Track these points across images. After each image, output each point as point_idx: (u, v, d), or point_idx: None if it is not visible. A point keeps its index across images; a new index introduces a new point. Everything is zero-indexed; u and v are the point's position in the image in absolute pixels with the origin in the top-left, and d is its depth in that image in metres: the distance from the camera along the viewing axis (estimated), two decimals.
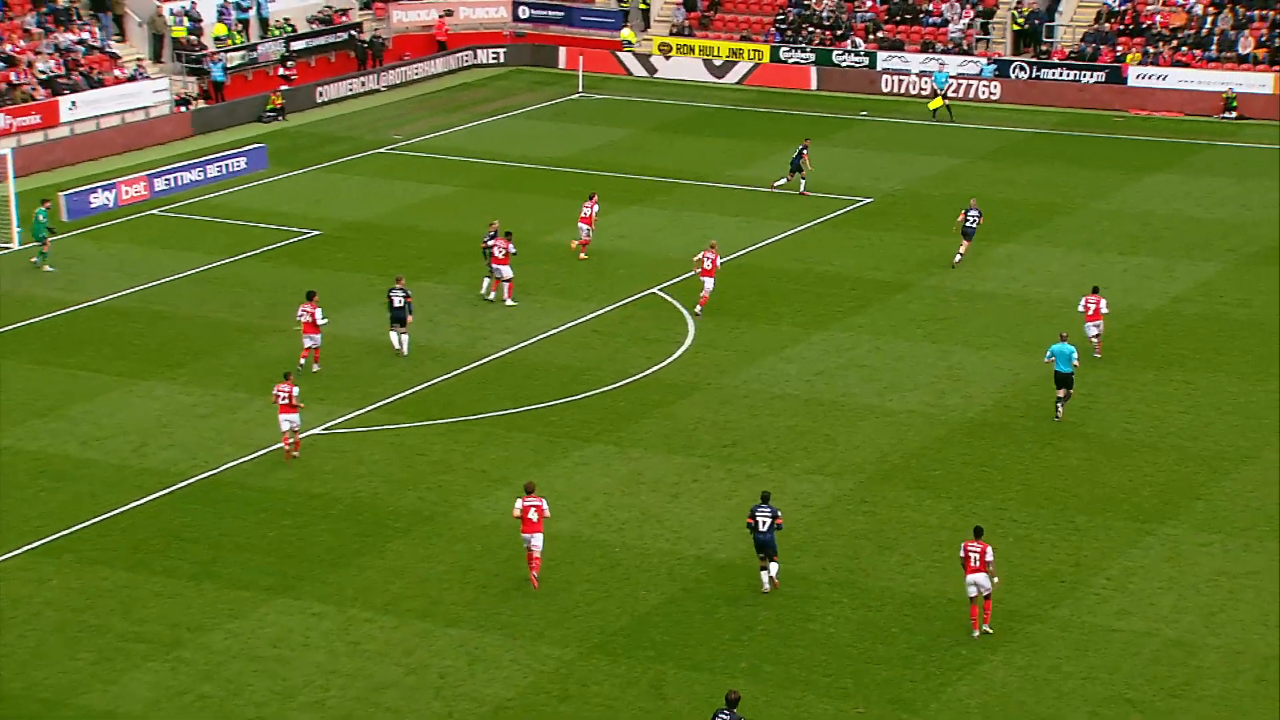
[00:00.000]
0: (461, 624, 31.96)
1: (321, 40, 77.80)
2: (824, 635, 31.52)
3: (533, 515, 33.25)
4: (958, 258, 51.25)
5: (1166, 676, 30.00)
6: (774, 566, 33.08)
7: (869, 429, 40.29)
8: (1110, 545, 34.60)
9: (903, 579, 33.40)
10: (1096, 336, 43.77)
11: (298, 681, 30.16)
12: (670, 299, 49.15)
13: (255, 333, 47.00)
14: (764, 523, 32.79)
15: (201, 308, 49.19)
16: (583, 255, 52.34)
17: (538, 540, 33.34)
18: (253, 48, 75.05)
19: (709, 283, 47.29)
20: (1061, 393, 40.46)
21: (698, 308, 47.51)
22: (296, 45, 76.33)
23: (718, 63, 77.05)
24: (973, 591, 31.39)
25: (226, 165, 62.83)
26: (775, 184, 59.07)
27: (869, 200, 58.58)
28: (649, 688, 29.96)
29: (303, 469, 38.64)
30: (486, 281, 48.83)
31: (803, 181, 58.52)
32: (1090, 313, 43.80)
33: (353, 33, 78.88)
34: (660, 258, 52.67)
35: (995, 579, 31.56)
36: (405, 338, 44.95)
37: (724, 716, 26.79)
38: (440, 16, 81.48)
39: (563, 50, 79.83)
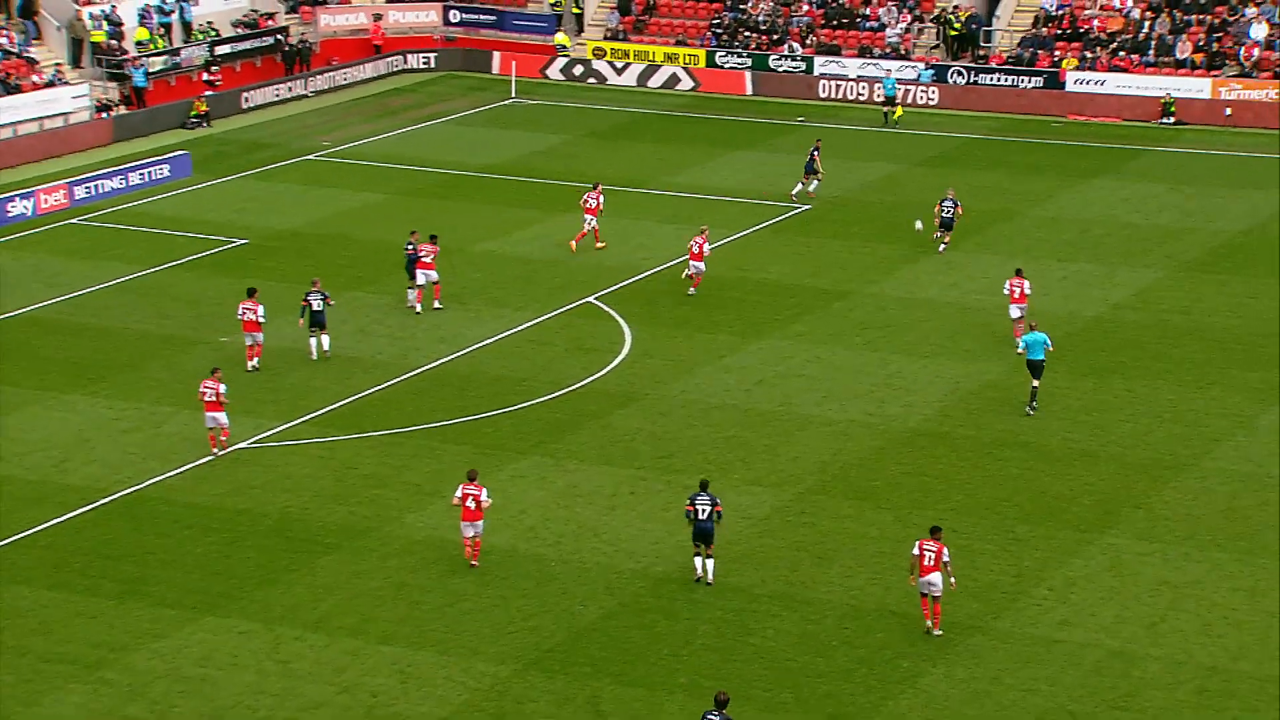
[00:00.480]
0: (394, 641, 31.58)
1: (247, 45, 76.90)
2: (763, 649, 31.31)
3: (470, 504, 33.76)
4: (941, 247, 52.25)
5: (1108, 688, 29.95)
6: (710, 565, 33.37)
7: (808, 439, 40.05)
8: (1051, 555, 34.52)
9: (843, 591, 33.21)
10: (1020, 319, 44.27)
11: (226, 702, 29.71)
12: (606, 308, 48.74)
13: (180, 344, 46.36)
14: (703, 510, 33.17)
15: (124, 319, 48.50)
16: (600, 244, 53.16)
17: (478, 528, 33.96)
18: (176, 52, 74.14)
19: (696, 266, 48.95)
20: (1036, 383, 40.90)
21: (691, 289, 49.17)
22: (221, 50, 75.47)
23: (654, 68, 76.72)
24: (924, 589, 31.57)
25: (149, 173, 62.05)
26: (793, 192, 58.54)
27: (807, 207, 58.34)
28: (586, 705, 29.66)
29: (230, 483, 38.16)
30: (411, 294, 48.20)
31: (816, 183, 58.45)
32: (1015, 295, 44.52)
33: (279, 37, 77.99)
34: (596, 266, 52.28)
35: (952, 581, 31.71)
36: (326, 338, 44.82)
37: (713, 718, 26.86)
38: (374, 20, 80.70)
39: (496, 55, 79.13)
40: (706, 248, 48.97)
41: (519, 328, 47.38)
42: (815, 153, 58.49)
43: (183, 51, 74.38)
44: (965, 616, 32.11)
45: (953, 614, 32.06)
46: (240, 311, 43.96)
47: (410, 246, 48.22)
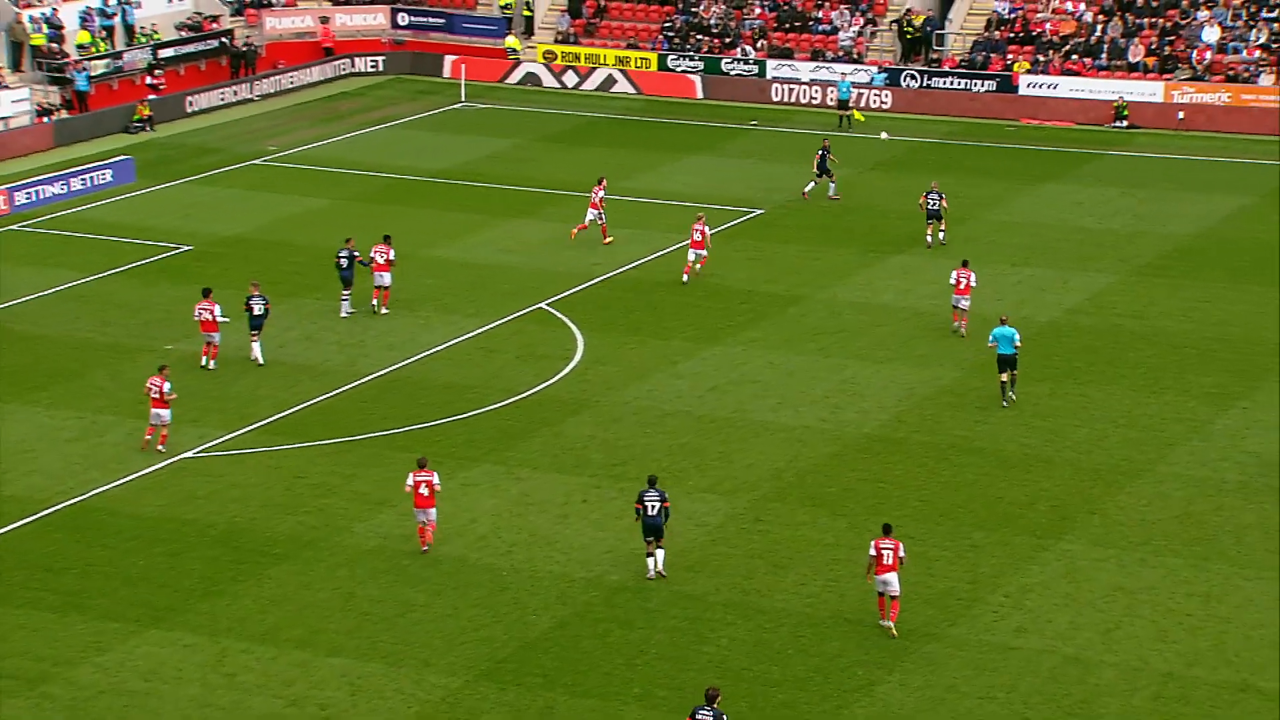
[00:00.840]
0: (343, 653, 31.25)
1: (191, 48, 76.14)
2: (718, 658, 31.11)
3: (424, 490, 34.48)
4: (937, 237, 53.23)
5: (1064, 695, 29.89)
6: (660, 555, 33.54)
7: (763, 446, 39.83)
8: (1007, 562, 34.43)
9: (798, 599, 33.07)
10: (962, 311, 45.49)
11: (171, 717, 29.36)
12: (558, 314, 48.39)
13: (124, 352, 45.83)
14: (652, 506, 33.42)
15: (66, 327, 47.94)
16: (607, 239, 53.57)
17: (431, 514, 34.68)
18: (118, 55, 73.35)
19: (695, 254, 50.06)
20: (1005, 376, 41.40)
21: (684, 276, 50.28)
22: (165, 53, 74.68)
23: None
24: (881, 588, 31.69)
25: (91, 178, 61.38)
26: (806, 190, 58.69)
27: (760, 211, 58.14)
28: (539, 716, 29.43)
29: (175, 494, 37.74)
30: (345, 303, 47.77)
31: (831, 185, 58.44)
32: (960, 286, 45.41)
33: (224, 40, 77.24)
34: (547, 271, 52.01)
35: (904, 560, 31.90)
36: (256, 345, 44.77)
37: (704, 714, 26.86)
38: (323, 22, 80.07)
39: (445, 59, 78.62)
40: (708, 233, 50.17)
41: (470, 334, 46.99)
42: (826, 154, 58.35)
43: (125, 55, 73.58)
44: (921, 624, 32.00)
45: (908, 621, 31.96)
46: (196, 312, 44.03)
47: (343, 254, 47.62)
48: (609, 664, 30.88)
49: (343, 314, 47.86)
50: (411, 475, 34.74)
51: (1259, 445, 39.54)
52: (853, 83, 71.32)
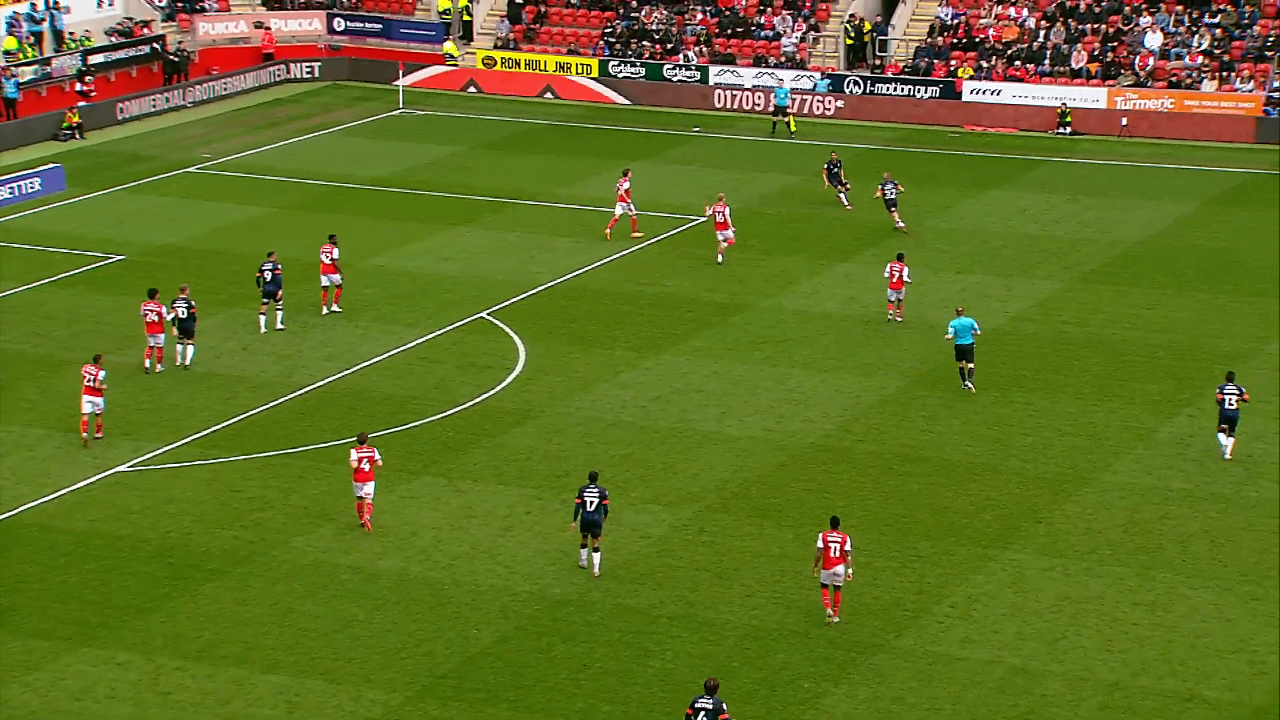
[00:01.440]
0: (280, 670, 30.91)
1: (122, 54, 75.22)
2: (663, 672, 30.90)
3: (365, 465, 35.63)
4: (898, 224, 54.97)
5: (1010, 706, 29.82)
6: (598, 557, 33.93)
7: (707, 456, 39.58)
8: (953, 571, 34.35)
9: (743, 611, 32.89)
10: (896, 303, 46.88)
11: None
12: (500, 324, 48.00)
13: (55, 364, 45.19)
14: (591, 503, 33.77)
15: None
16: (636, 233, 54.79)
17: (369, 489, 35.85)
18: (47, 62, 72.45)
19: (721, 236, 52.28)
20: (964, 365, 42.39)
21: (719, 257, 52.45)
22: (95, 59, 73.76)
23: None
24: (827, 580, 32.20)
25: (20, 186, 60.59)
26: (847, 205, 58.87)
27: (704, 219, 57.75)
28: None
29: (108, 508, 37.26)
30: (263, 318, 47.28)
31: (843, 194, 58.45)
32: (894, 280, 46.64)
33: (155, 46, 76.38)
34: (488, 280, 51.64)
35: (850, 570, 32.31)
36: (191, 349, 44.64)
37: (703, 702, 27.16)
38: (264, 29, 79.35)
39: (383, 64, 77.99)
40: (728, 212, 52.30)
41: (409, 345, 46.59)
42: (836, 168, 58.43)
43: (54, 61, 72.70)
44: (867, 635, 31.88)
45: (855, 632, 31.91)
46: (143, 313, 44.05)
47: (266, 267, 47.06)
48: (552, 678, 30.62)
49: (276, 327, 47.21)
50: (354, 451, 35.73)
51: (1202, 453, 39.51)
52: (792, 89, 71.17)
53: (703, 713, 27.77)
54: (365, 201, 60.64)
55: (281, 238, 54.52)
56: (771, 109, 70.46)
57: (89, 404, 39.82)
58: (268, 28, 79.56)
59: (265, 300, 47.09)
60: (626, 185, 54.49)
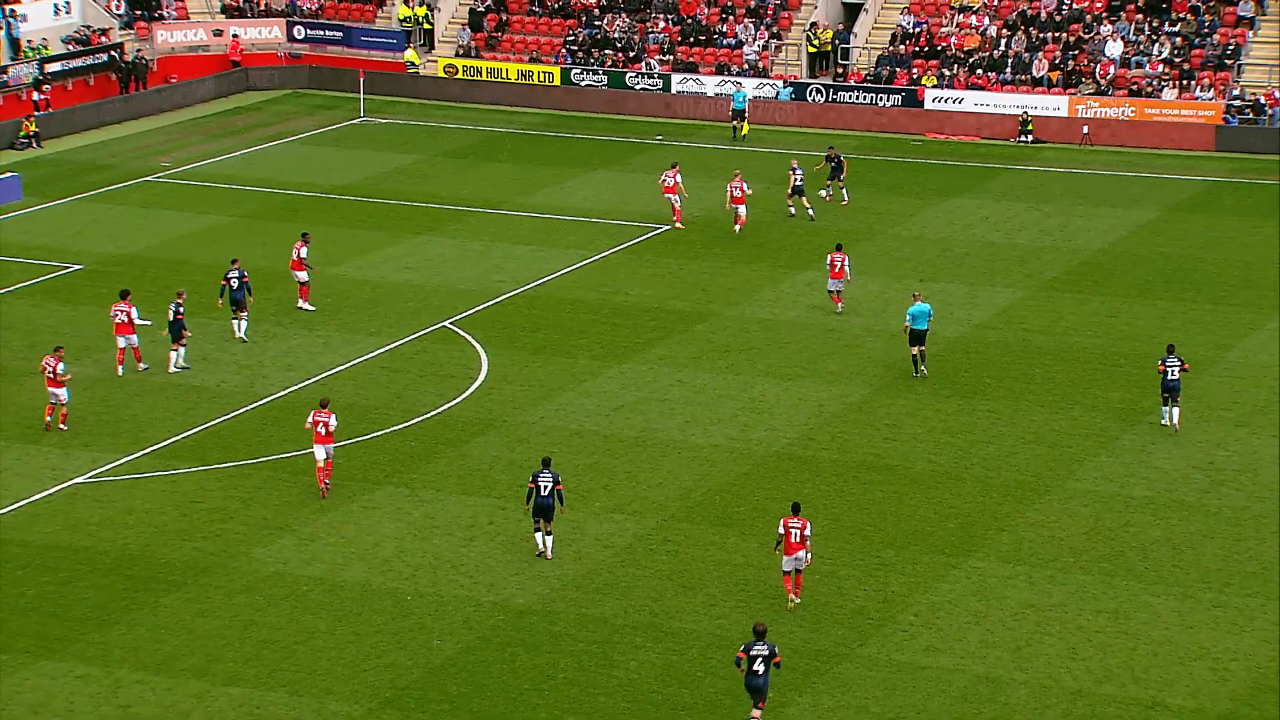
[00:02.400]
0: (242, 682, 30.65)
1: (79, 62, 74.77)
2: (627, 682, 30.77)
3: (321, 429, 37.00)
4: (839, 194, 59.19)
5: (975, 714, 29.77)
6: (550, 540, 34.82)
7: (671, 465, 39.47)
8: (917, 580, 34.30)
9: (708, 620, 32.76)
10: (837, 293, 48.21)
11: None
12: (462, 332, 47.79)
13: (11, 375, 44.79)
14: (545, 487, 34.54)
15: None
16: (679, 225, 56.80)
17: (324, 451, 37.16)
18: (2, 70, 71.94)
19: (739, 209, 55.25)
20: (916, 350, 43.60)
21: (737, 226, 55.61)
22: (52, 67, 73.35)
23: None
24: (789, 566, 32.87)
25: None
26: (823, 193, 60.22)
27: (667, 228, 57.75)
28: None
29: (66, 520, 36.91)
30: (236, 324, 47.10)
31: (844, 191, 60.10)
32: (835, 270, 47.91)
33: (113, 54, 75.89)
34: (451, 289, 51.44)
35: (810, 555, 33.02)
36: (180, 351, 45.08)
37: (759, 648, 28.73)
38: (219, 35, 78.94)
39: (343, 72, 77.68)
40: (746, 189, 55.15)
41: (371, 354, 46.35)
42: (839, 160, 60.04)
43: (10, 69, 72.17)
44: (831, 644, 31.80)
45: (818, 641, 31.84)
46: (113, 313, 44.11)
47: (232, 275, 46.81)
48: (516, 689, 30.44)
49: (239, 336, 46.95)
50: (312, 414, 37.28)
51: (1165, 460, 39.58)
52: (749, 95, 71.22)
53: (759, 659, 28.93)
54: (327, 210, 60.36)
55: (242, 247, 54.19)
56: (730, 113, 70.45)
57: (52, 396, 40.53)
58: (236, 35, 79.16)
59: (234, 308, 46.84)
60: (677, 179, 56.58)
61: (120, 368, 44.39)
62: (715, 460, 39.67)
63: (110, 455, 39.95)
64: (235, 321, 46.99)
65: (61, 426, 40.67)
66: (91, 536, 36.07)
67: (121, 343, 44.08)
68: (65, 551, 35.43)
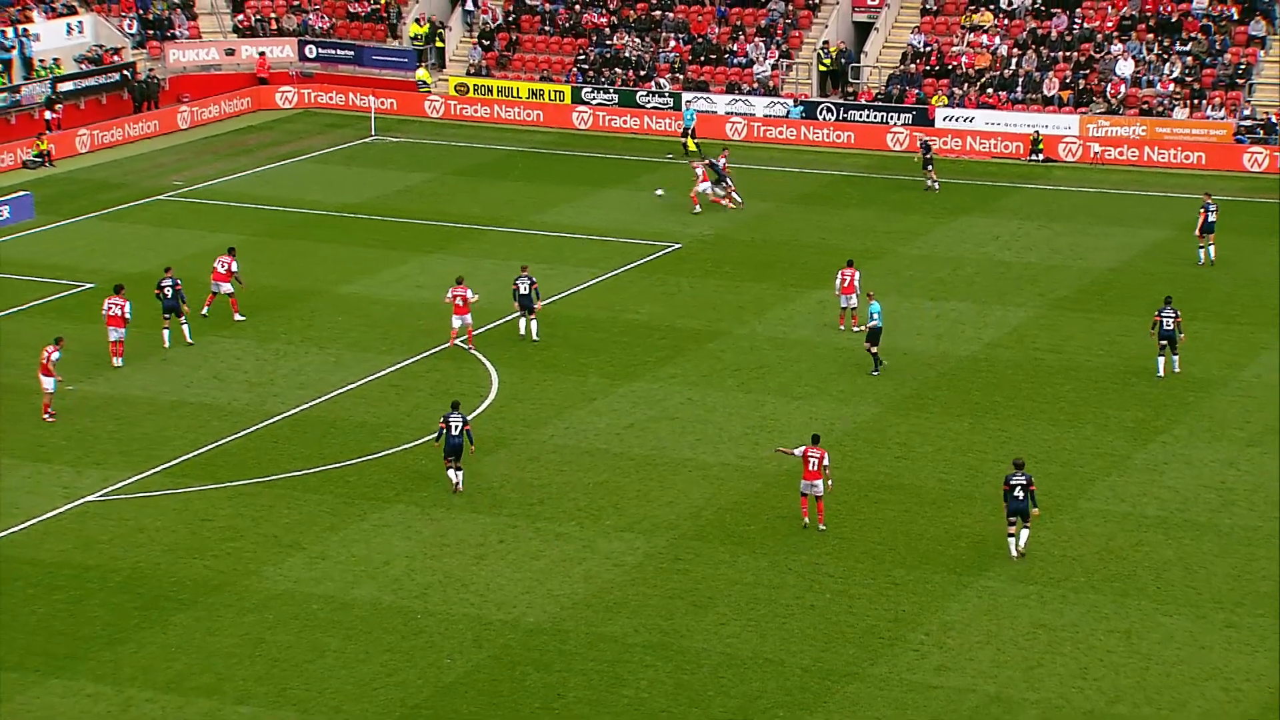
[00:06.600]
0: (252, 700, 30.61)
1: (91, 81, 74.88)
2: (637, 700, 30.67)
3: (460, 301, 45.99)
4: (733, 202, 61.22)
5: None
6: (460, 475, 38.31)
7: (682, 483, 39.38)
8: (928, 599, 34.19)
9: (718, 639, 32.67)
10: (850, 311, 48.59)
11: None
12: (473, 351, 47.72)
13: (21, 393, 44.68)
14: (455, 427, 38.04)
15: None
16: (732, 204, 60.82)
17: (460, 320, 46.43)
18: (16, 90, 72.08)
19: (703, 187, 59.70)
20: (875, 348, 45.27)
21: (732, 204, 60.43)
22: (64, 86, 73.43)
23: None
24: (805, 490, 36.57)
25: None
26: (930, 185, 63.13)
27: (678, 246, 57.76)
28: None
29: (77, 538, 36.89)
30: (168, 333, 47.74)
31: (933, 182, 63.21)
32: (845, 285, 48.38)
33: (126, 73, 76.04)
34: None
35: (830, 483, 36.72)
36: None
37: (1017, 479, 34.85)
38: (260, 54, 79.09)
39: (353, 92, 77.78)
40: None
41: (382, 372, 46.33)
42: (928, 152, 63.69)
43: (23, 88, 72.31)
44: (842, 663, 31.68)
45: (829, 661, 31.72)
46: (106, 307, 45.57)
47: (166, 283, 47.49)
48: (526, 708, 30.35)
49: (166, 344, 47.47)
50: (451, 290, 46.34)
51: (1177, 480, 39.46)
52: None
53: (1018, 487, 34.99)
54: (338, 228, 60.38)
55: (253, 264, 54.25)
56: (680, 130, 70.59)
57: (48, 382, 41.95)
58: (262, 53, 79.31)
59: (166, 316, 47.33)
60: (724, 161, 60.70)
61: (118, 359, 45.71)
62: (726, 478, 39.60)
63: (121, 473, 39.93)
64: (165, 331, 47.31)
65: (46, 417, 42.01)
66: (102, 554, 36.04)
67: (113, 335, 45.35)
68: (76, 569, 35.40)
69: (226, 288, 49.58)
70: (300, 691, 30.78)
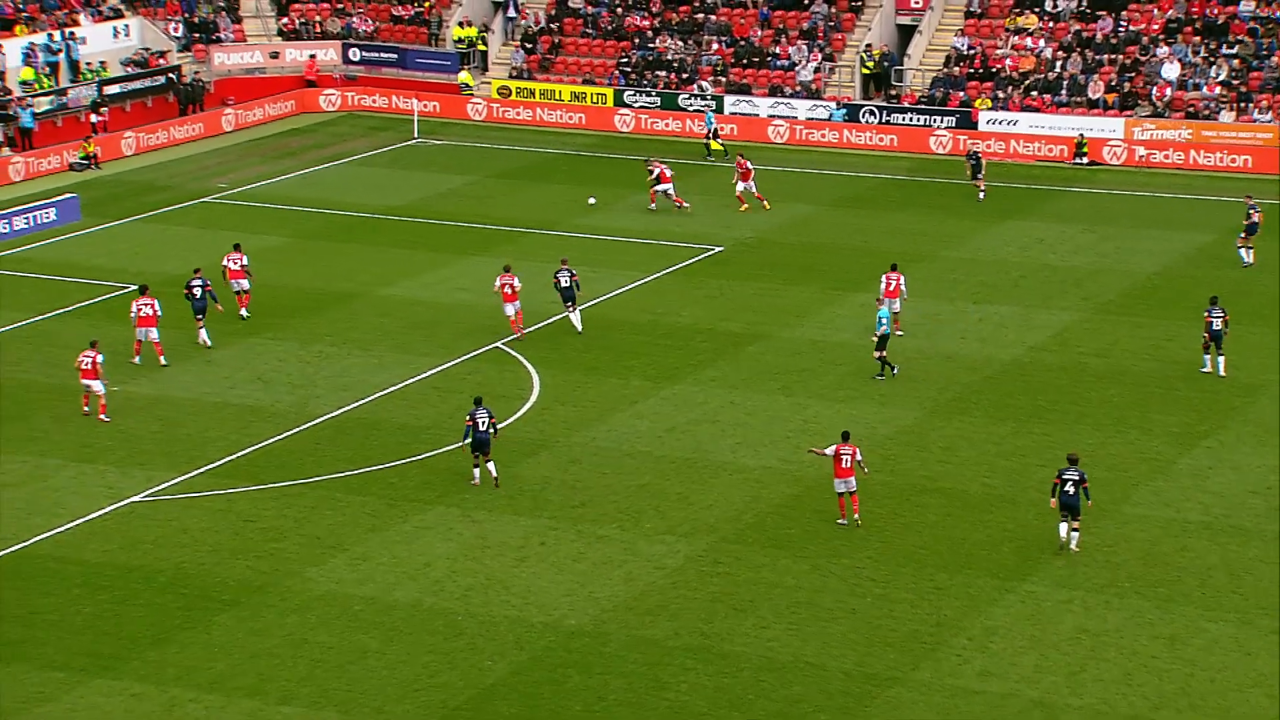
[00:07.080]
0: (294, 701, 30.67)
1: (137, 84, 75.34)
2: (678, 704, 30.60)
3: (509, 289, 47.38)
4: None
5: None
6: (492, 466, 38.44)
7: (723, 487, 39.30)
8: (971, 604, 34.04)
9: (759, 643, 32.60)
10: (895, 314, 47.82)
11: None
12: (515, 353, 47.78)
13: (68, 394, 44.81)
14: (483, 423, 38.41)
15: (9, 369, 47.15)
16: (766, 205, 61.38)
17: (512, 308, 47.72)
18: (63, 92, 72.57)
19: (745, 185, 60.94)
20: (884, 354, 45.36)
21: (744, 206, 61.31)
22: (111, 89, 73.89)
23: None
24: (841, 489, 36.88)
25: (35, 217, 60.43)
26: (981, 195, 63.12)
27: (720, 249, 57.71)
28: None
29: (122, 539, 37.02)
30: (204, 332, 48.26)
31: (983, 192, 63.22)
32: (890, 289, 47.72)
33: (171, 76, 76.46)
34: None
35: (865, 470, 37.40)
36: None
37: (1070, 474, 35.02)
38: (310, 56, 79.41)
39: (396, 94, 78.01)
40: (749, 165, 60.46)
41: (424, 374, 46.40)
42: (979, 157, 63.67)
43: (70, 91, 72.80)
44: (884, 668, 31.58)
45: (871, 665, 31.64)
46: (135, 309, 46.12)
47: (195, 284, 47.95)
48: (567, 711, 30.31)
49: (200, 341, 47.78)
50: (498, 279, 47.31)
51: (1223, 485, 39.22)
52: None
53: (1070, 482, 35.18)
54: (381, 231, 60.54)
55: (297, 266, 54.56)
56: (707, 133, 70.52)
57: (85, 386, 42.71)
58: (312, 56, 79.62)
59: (199, 317, 47.65)
60: (747, 164, 61.36)
61: (137, 357, 46.17)
62: (767, 482, 39.53)
63: (166, 474, 40.07)
64: (202, 330, 47.77)
65: (102, 417, 42.45)
66: (146, 555, 36.17)
67: (152, 335, 45.90)
68: (121, 570, 35.54)
69: (245, 284, 49.86)
70: (342, 692, 30.83)
